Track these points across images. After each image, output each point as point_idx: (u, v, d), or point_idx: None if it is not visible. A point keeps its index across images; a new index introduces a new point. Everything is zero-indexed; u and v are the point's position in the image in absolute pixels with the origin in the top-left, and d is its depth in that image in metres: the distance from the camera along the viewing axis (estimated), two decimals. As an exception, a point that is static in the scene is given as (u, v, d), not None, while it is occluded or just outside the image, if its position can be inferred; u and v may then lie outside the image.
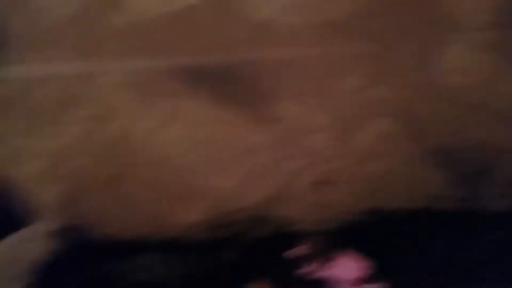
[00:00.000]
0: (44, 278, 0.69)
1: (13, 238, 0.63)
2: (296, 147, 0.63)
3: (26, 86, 0.67)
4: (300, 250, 0.69)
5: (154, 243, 0.71)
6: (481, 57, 0.61)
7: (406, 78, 0.62)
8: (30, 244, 0.67)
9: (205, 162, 0.64)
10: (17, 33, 0.70)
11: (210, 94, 0.62)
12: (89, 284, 0.70)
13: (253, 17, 0.65)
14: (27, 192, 0.67)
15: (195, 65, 0.63)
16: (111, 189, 0.65)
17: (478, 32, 0.62)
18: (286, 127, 0.63)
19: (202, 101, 0.62)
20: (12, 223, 0.64)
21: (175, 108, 0.63)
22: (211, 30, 0.66)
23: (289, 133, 0.63)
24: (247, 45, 0.64)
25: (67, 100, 0.65)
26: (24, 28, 0.69)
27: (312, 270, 0.67)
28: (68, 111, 0.65)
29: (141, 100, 0.62)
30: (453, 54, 0.62)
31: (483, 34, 0.61)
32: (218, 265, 0.71)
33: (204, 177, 0.66)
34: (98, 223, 0.70)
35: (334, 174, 0.65)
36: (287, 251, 0.70)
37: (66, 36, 0.67)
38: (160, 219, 0.70)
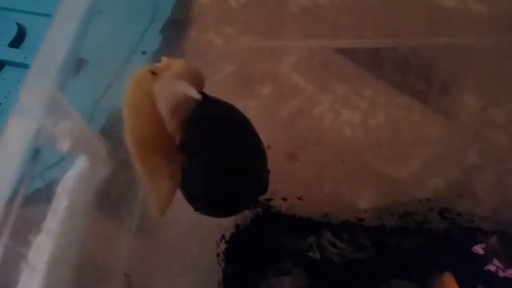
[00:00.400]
0: (232, 245, 0.69)
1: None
2: (477, 142, 0.62)
3: (209, 63, 0.67)
4: (489, 246, 0.67)
5: (326, 224, 0.71)
6: None
7: None
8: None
9: (378, 148, 0.64)
10: (202, 12, 0.71)
11: (387, 81, 0.62)
12: (268, 253, 0.69)
13: (437, 3, 0.64)
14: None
15: (371, 50, 0.63)
16: (290, 167, 0.66)
17: None
18: (466, 120, 0.62)
19: (378, 88, 0.61)
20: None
21: (349, 92, 0.63)
22: (390, 14, 0.65)
23: (469, 127, 0.62)
24: (428, 32, 0.64)
25: (250, 76, 0.66)
26: (210, 6, 0.71)
27: (500, 268, 0.65)
28: (252, 87, 0.67)
29: (316, 82, 0.63)
30: None
31: None
32: (395, 252, 0.69)
33: (376, 163, 0.65)
34: (280, 197, 0.70)
35: None
36: (473, 246, 0.68)
37: (246, 17, 0.69)
38: (339, 200, 0.69)
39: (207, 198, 0.35)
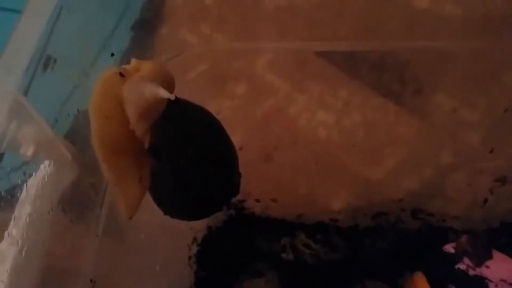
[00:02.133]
0: (204, 248, 0.68)
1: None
2: (450, 142, 0.63)
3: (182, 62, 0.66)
4: (459, 245, 0.68)
5: (299, 225, 0.71)
6: None
7: None
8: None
9: (352, 149, 0.64)
10: (175, 9, 0.69)
11: (362, 82, 0.61)
12: (242, 255, 0.69)
13: (413, 5, 0.63)
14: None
15: (348, 51, 0.63)
16: (264, 168, 0.66)
17: None
18: (439, 121, 0.62)
19: (353, 88, 0.61)
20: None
21: (325, 92, 0.62)
22: (367, 15, 0.64)
23: (442, 128, 0.62)
24: (404, 34, 0.63)
25: (224, 76, 0.65)
26: (183, 3, 0.69)
27: (465, 266, 0.66)
28: (226, 87, 0.65)
29: (292, 82, 0.62)
30: None
31: None
32: (369, 253, 0.70)
33: (350, 164, 0.65)
34: (257, 200, 0.70)
35: (490, 172, 0.64)
36: (444, 245, 0.69)
37: (221, 14, 0.67)
38: (313, 201, 0.70)
39: (176, 202, 0.34)
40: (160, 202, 0.35)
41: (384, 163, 0.68)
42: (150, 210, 0.43)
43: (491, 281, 0.66)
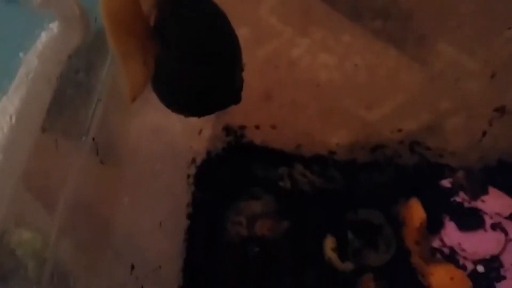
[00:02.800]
0: (202, 170, 0.71)
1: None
2: (450, 90, 0.64)
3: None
4: (456, 181, 0.70)
5: (297, 157, 0.73)
6: None
7: None
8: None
9: (352, 91, 0.65)
10: None
11: (365, 28, 0.61)
12: (239, 180, 0.72)
13: None
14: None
15: None
16: (266, 104, 0.67)
17: None
18: (440, 69, 0.62)
19: (356, 33, 0.61)
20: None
21: (327, 37, 0.63)
22: None
23: (443, 76, 0.63)
24: None
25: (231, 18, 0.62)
26: None
27: (466, 200, 0.68)
28: None
29: (295, 26, 0.62)
30: None
31: None
32: (364, 185, 0.73)
33: (355, 104, 0.67)
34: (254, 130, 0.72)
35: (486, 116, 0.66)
36: (441, 180, 0.71)
37: None
38: (311, 136, 0.72)
39: (179, 90, 0.33)
40: (162, 93, 0.33)
41: (383, 106, 0.69)
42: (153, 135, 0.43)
43: (485, 213, 0.68)
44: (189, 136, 0.68)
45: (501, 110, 0.68)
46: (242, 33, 0.67)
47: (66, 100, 0.40)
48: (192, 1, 0.33)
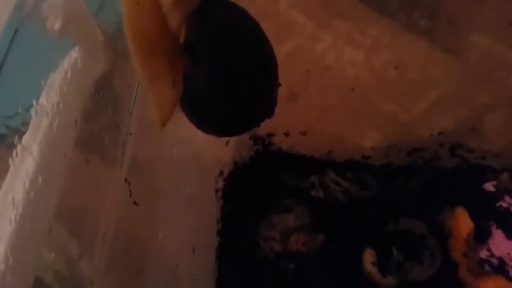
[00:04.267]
0: (230, 182, 0.68)
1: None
2: (486, 83, 0.60)
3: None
4: (500, 183, 0.66)
5: (339, 162, 0.69)
6: None
7: None
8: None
9: (383, 88, 0.61)
10: None
11: (392, 18, 0.58)
12: (269, 191, 0.68)
13: None
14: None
15: None
16: (292, 106, 0.64)
17: None
18: (474, 60, 0.59)
19: (382, 26, 0.58)
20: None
21: (352, 30, 0.59)
22: None
23: (477, 67, 0.59)
24: None
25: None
26: None
27: (506, 204, 0.64)
28: None
29: (317, 19, 0.59)
30: None
31: None
32: (403, 191, 0.68)
33: (381, 104, 0.63)
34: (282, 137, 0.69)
35: None
36: (484, 183, 0.67)
37: None
38: (343, 139, 0.68)
39: (212, 110, 0.31)
40: (193, 112, 0.32)
41: (417, 102, 0.65)
42: (181, 145, 0.40)
43: None
44: (216, 148, 0.65)
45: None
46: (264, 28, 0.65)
47: (95, 137, 0.38)
48: (225, 14, 0.31)
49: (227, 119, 0.32)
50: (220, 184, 0.67)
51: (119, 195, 0.40)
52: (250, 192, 0.67)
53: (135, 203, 0.42)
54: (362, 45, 0.62)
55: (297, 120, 0.66)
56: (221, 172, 0.67)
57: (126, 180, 0.40)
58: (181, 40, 0.29)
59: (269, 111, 0.34)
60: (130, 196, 0.41)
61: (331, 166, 0.68)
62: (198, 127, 0.32)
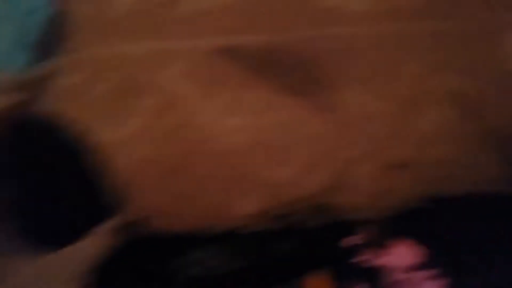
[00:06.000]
0: (100, 275, 0.62)
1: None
2: (356, 135, 0.63)
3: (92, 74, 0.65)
4: (356, 238, 0.68)
5: (210, 235, 0.67)
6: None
7: (472, 63, 0.64)
8: (93, 242, 0.62)
9: (263, 152, 0.63)
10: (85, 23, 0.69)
11: (269, 83, 0.62)
12: (145, 280, 0.64)
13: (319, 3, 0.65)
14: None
15: (254, 52, 0.63)
16: (169, 181, 0.63)
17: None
18: (346, 114, 0.63)
19: (261, 90, 0.62)
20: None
21: (235, 97, 0.62)
22: (273, 13, 0.65)
23: (348, 120, 0.63)
24: (309, 29, 0.64)
25: (130, 89, 0.64)
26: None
27: (368, 258, 0.66)
28: (129, 101, 0.65)
29: (201, 90, 0.62)
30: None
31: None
32: (275, 256, 0.68)
33: (262, 167, 0.64)
34: (155, 216, 0.65)
35: (394, 160, 0.65)
36: (344, 239, 0.68)
37: (131, 24, 0.67)
38: (217, 210, 0.66)
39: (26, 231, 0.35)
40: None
41: (292, 163, 0.66)
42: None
43: (389, 269, 0.66)
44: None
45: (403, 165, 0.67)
46: (146, 104, 0.63)
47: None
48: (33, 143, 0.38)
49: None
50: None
51: None
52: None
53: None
54: (241, 111, 0.64)
55: (173, 196, 0.65)
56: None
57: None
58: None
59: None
60: None
61: (204, 239, 0.67)
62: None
